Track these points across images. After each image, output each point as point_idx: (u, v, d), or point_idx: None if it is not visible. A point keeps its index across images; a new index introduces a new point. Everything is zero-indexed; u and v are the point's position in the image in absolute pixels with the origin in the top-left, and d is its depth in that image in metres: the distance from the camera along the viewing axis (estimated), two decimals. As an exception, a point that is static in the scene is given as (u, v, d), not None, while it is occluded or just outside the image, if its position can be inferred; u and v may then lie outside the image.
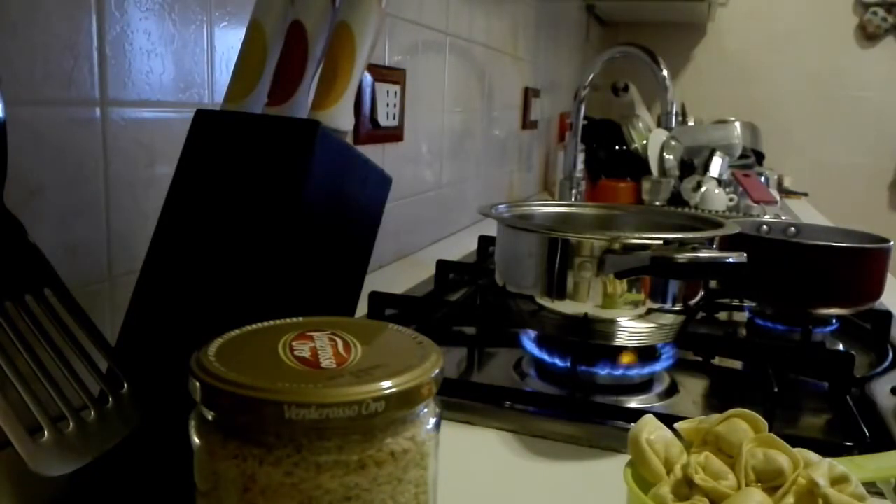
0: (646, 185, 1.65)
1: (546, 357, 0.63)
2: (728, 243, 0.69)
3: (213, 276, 0.38)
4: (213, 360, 0.28)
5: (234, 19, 0.65)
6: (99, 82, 0.52)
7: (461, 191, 1.36)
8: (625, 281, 0.56)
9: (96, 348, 0.35)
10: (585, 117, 1.56)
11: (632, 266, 0.55)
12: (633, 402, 0.58)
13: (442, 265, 0.92)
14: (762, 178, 1.70)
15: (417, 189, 1.15)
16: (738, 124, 1.82)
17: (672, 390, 0.61)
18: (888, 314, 0.78)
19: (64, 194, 0.50)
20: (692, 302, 0.59)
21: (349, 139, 0.41)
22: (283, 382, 0.26)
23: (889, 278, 0.76)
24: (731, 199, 1.58)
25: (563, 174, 1.51)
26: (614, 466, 0.50)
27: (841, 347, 0.76)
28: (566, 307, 0.58)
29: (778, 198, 1.66)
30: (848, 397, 0.58)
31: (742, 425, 0.36)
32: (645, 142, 1.74)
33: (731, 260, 0.53)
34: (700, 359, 0.67)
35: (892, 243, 0.74)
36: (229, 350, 0.29)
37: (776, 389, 0.57)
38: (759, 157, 2.03)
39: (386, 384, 0.27)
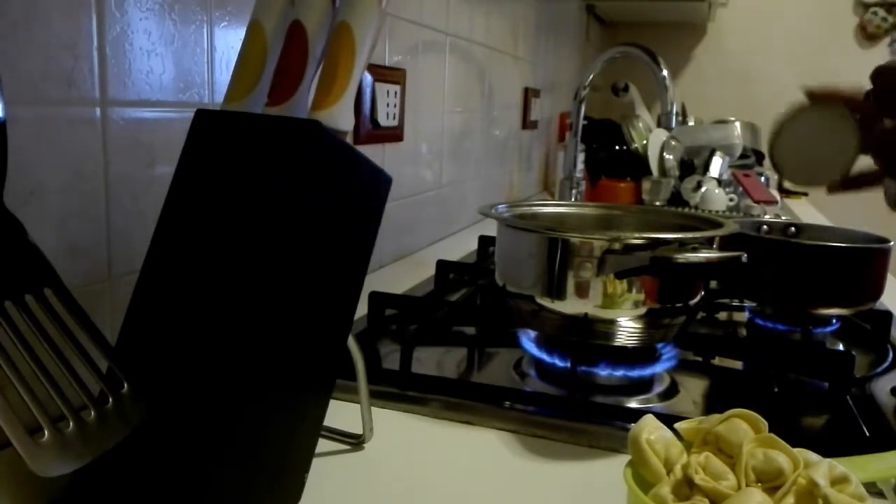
0: (646, 185, 1.65)
1: (546, 357, 0.63)
2: (728, 243, 0.69)
3: (213, 277, 0.38)
4: None
5: (234, 19, 0.65)
6: (99, 82, 0.52)
7: (461, 191, 1.36)
8: (625, 281, 0.56)
9: (96, 348, 0.35)
10: (585, 117, 1.56)
11: (632, 266, 0.55)
12: (633, 402, 0.58)
13: (442, 265, 0.92)
14: (762, 178, 1.70)
15: (417, 189, 1.15)
16: (738, 124, 1.82)
17: (672, 390, 0.61)
18: (888, 314, 0.78)
19: (64, 194, 0.50)
20: (692, 302, 0.59)
21: (349, 139, 0.41)
22: None
23: (889, 278, 0.76)
24: (731, 199, 1.58)
25: (563, 174, 1.51)
26: (614, 466, 0.50)
27: (841, 347, 0.76)
28: (566, 307, 0.58)
29: (778, 198, 1.66)
30: (848, 397, 0.58)
31: (742, 425, 0.36)
32: (645, 142, 1.74)
33: (730, 260, 0.53)
34: (700, 359, 0.67)
35: (892, 243, 0.74)
36: None
37: (776, 389, 0.57)
38: (759, 157, 2.02)
39: None
